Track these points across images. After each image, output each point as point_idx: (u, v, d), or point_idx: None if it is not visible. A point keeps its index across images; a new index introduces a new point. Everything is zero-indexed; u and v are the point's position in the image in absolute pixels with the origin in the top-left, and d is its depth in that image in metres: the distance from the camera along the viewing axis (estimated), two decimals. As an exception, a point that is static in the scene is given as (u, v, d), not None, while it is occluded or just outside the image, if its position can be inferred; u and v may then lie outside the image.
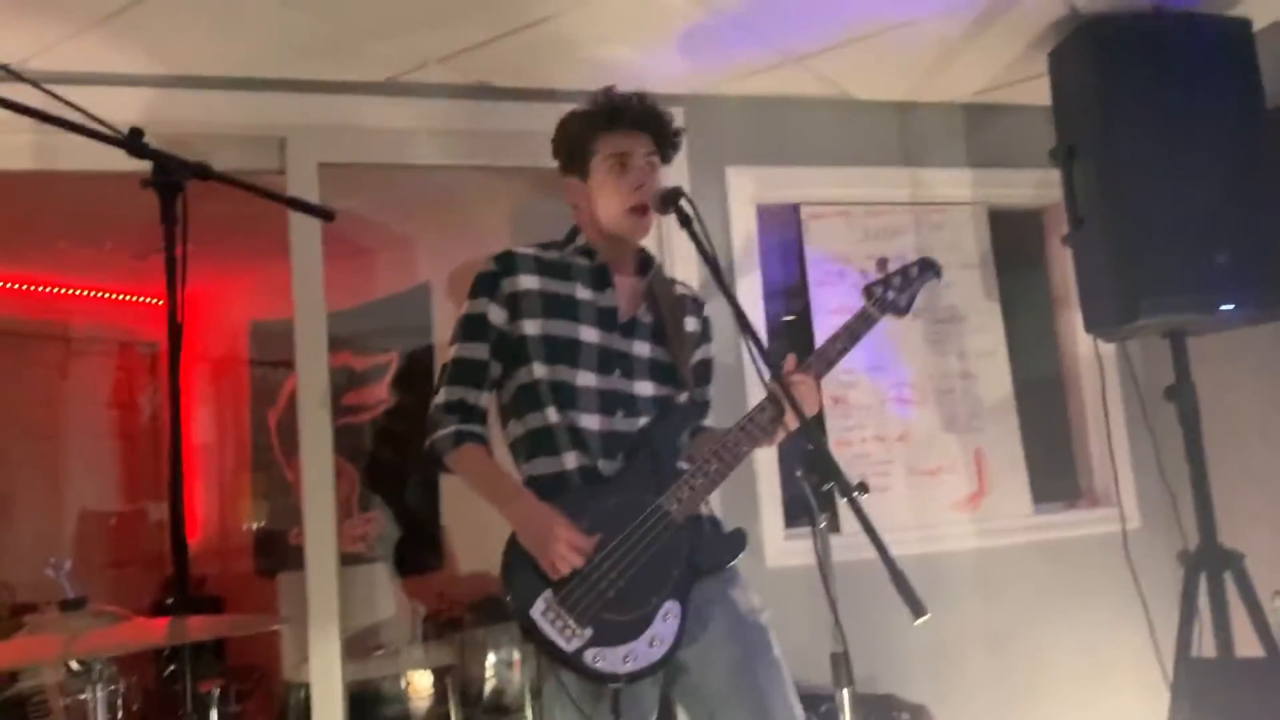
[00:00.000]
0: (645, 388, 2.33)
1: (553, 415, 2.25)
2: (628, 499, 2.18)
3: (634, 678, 2.09)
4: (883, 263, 2.47)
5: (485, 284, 2.32)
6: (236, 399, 6.26)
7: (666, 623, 2.13)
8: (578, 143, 2.37)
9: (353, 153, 3.30)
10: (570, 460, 2.24)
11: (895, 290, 2.39)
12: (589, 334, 2.31)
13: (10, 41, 2.82)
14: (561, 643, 2.08)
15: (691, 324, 2.48)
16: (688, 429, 2.44)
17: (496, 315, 2.30)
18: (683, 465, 2.27)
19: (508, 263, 2.33)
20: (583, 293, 2.34)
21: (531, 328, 2.28)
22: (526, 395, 2.29)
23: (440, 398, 2.29)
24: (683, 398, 2.40)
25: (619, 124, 2.34)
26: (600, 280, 2.36)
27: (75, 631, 1.68)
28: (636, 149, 2.33)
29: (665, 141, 2.39)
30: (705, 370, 2.53)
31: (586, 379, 2.28)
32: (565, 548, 2.08)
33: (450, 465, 2.28)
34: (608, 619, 2.10)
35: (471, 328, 2.31)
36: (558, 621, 2.10)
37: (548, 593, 2.11)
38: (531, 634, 2.10)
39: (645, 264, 2.44)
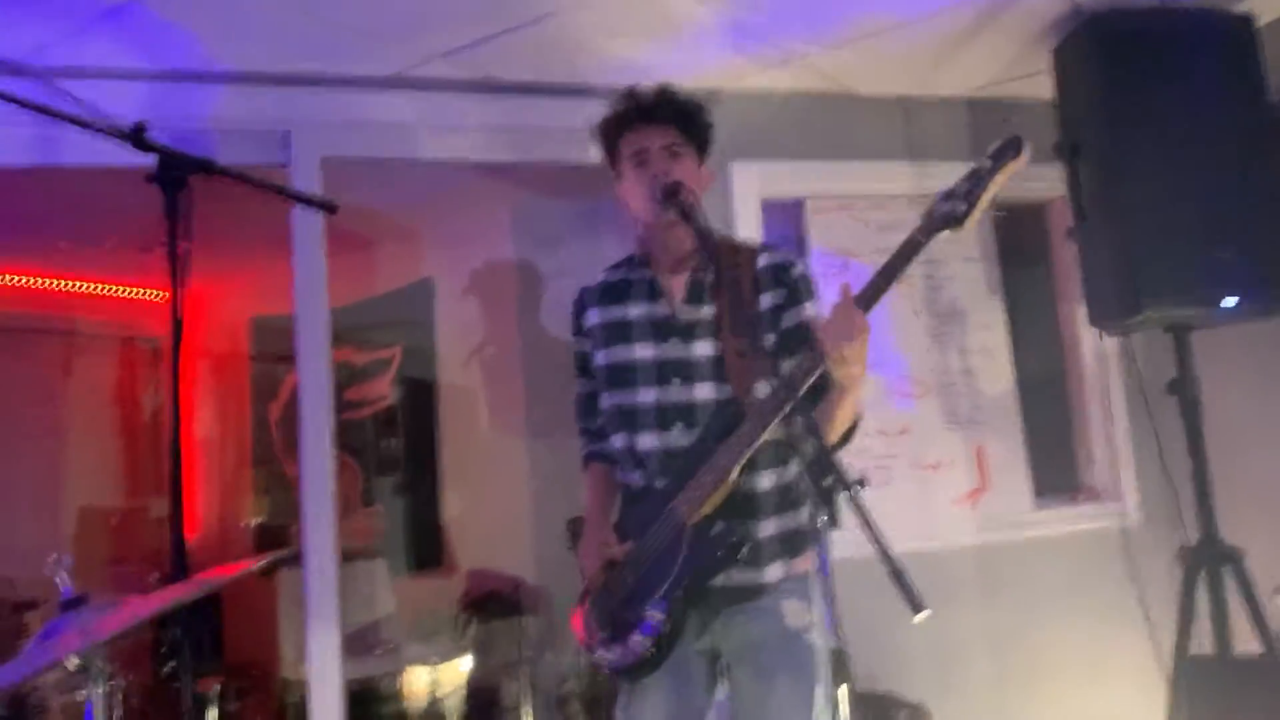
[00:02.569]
0: (705, 390, 2.26)
1: (620, 440, 2.37)
2: (657, 507, 2.21)
3: (626, 674, 2.22)
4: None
5: (572, 323, 2.51)
6: (238, 394, 6.26)
7: (652, 621, 2.16)
8: (610, 143, 2.38)
9: (356, 147, 3.30)
10: (635, 479, 2.35)
11: (959, 198, 2.06)
12: (644, 351, 2.32)
13: (14, 37, 2.81)
14: (589, 640, 2.28)
15: (769, 299, 2.29)
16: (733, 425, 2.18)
17: (585, 346, 2.47)
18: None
19: (579, 300, 2.49)
20: (636, 310, 2.35)
21: (600, 359, 2.40)
22: (606, 420, 2.43)
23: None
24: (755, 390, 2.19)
25: (635, 121, 2.33)
26: (653, 290, 2.36)
27: (82, 626, 1.68)
28: (653, 142, 2.29)
29: (691, 129, 2.33)
30: (799, 331, 2.25)
31: (646, 396, 2.30)
32: (586, 563, 2.33)
33: None
34: (620, 618, 2.20)
35: (575, 364, 2.52)
36: (588, 622, 2.29)
37: (590, 597, 2.31)
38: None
39: (702, 256, 2.31)
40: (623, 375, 2.34)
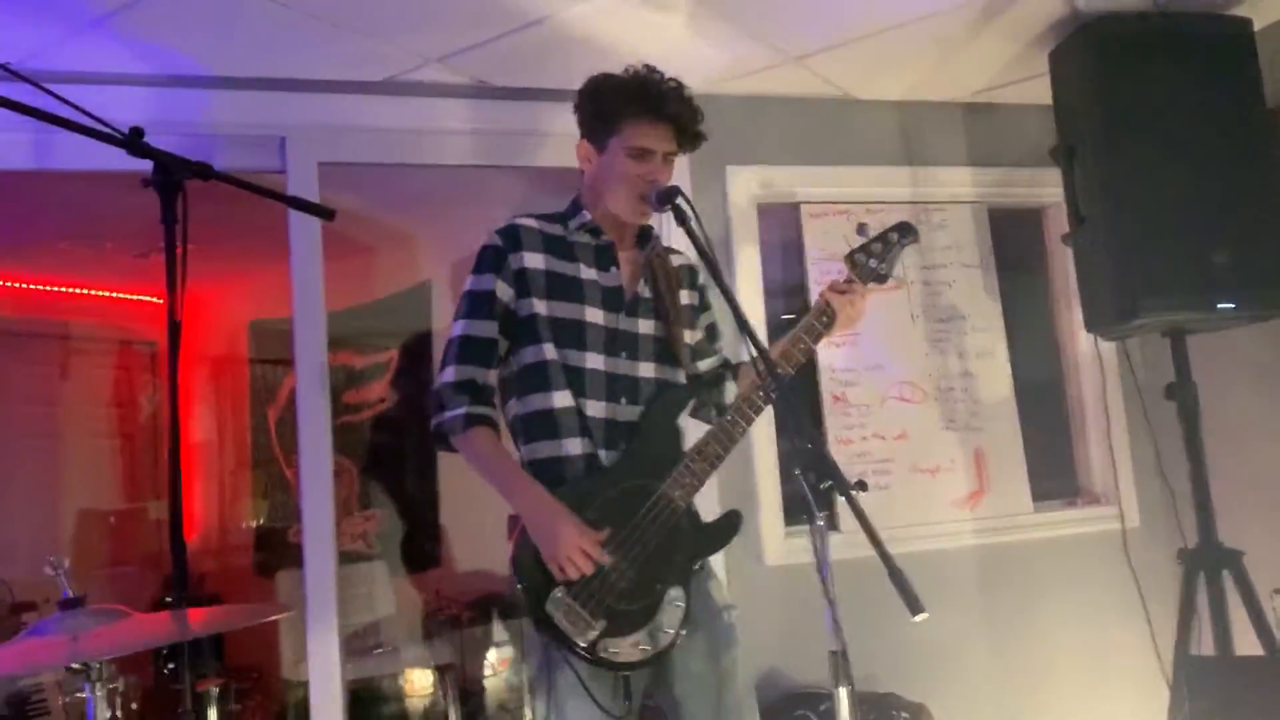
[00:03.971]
0: (648, 369, 2.32)
1: (562, 399, 2.22)
2: (632, 488, 2.19)
3: (642, 665, 2.15)
4: (862, 228, 2.50)
5: (491, 259, 2.29)
6: (236, 397, 6.26)
7: (672, 609, 2.17)
8: (605, 116, 2.31)
9: (352, 152, 3.29)
10: (574, 446, 2.23)
11: (877, 258, 2.44)
12: (594, 315, 2.29)
13: (10, 40, 2.82)
14: (577, 636, 2.09)
15: (686, 297, 2.47)
16: (684, 410, 2.41)
17: (504, 292, 2.26)
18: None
19: (513, 238, 2.30)
20: (587, 272, 2.33)
21: (540, 307, 2.25)
22: (534, 376, 2.25)
23: (449, 376, 2.22)
24: (680, 375, 2.40)
25: (652, 112, 2.28)
26: (604, 259, 2.35)
27: (77, 631, 1.67)
28: (660, 145, 2.29)
29: (688, 138, 2.34)
30: (714, 332, 2.58)
31: (595, 361, 2.27)
32: (578, 554, 2.08)
33: (457, 447, 2.22)
34: (620, 609, 2.13)
35: (479, 304, 2.26)
36: (571, 615, 2.10)
37: (561, 587, 2.11)
38: (545, 627, 2.11)
39: (644, 237, 2.43)
40: (572, 333, 2.27)
